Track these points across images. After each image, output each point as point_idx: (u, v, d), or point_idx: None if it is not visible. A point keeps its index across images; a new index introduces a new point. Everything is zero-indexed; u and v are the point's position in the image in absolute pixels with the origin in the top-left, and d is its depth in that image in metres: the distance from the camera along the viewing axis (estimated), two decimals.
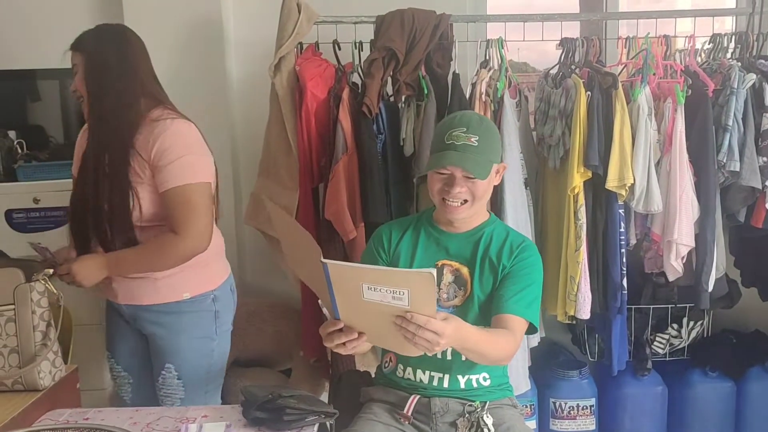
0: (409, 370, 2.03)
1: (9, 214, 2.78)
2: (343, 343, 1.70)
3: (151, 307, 2.17)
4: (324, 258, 1.55)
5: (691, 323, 2.99)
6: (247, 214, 2.89)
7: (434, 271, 1.55)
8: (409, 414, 1.99)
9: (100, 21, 3.03)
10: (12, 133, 2.93)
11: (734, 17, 3.22)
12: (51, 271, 1.79)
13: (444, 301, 2.01)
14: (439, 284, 2.01)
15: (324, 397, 2.87)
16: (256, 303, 2.96)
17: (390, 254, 2.09)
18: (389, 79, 2.65)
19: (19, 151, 2.88)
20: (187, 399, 2.21)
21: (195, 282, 2.20)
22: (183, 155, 2.05)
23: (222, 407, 1.86)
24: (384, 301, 1.58)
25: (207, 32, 2.96)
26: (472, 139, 1.93)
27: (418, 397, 2.01)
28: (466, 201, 1.97)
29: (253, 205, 2.85)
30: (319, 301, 1.75)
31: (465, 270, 2.02)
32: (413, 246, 2.08)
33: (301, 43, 2.71)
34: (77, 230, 2.11)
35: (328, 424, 1.74)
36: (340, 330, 1.69)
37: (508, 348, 1.93)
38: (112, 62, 2.07)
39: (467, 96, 2.65)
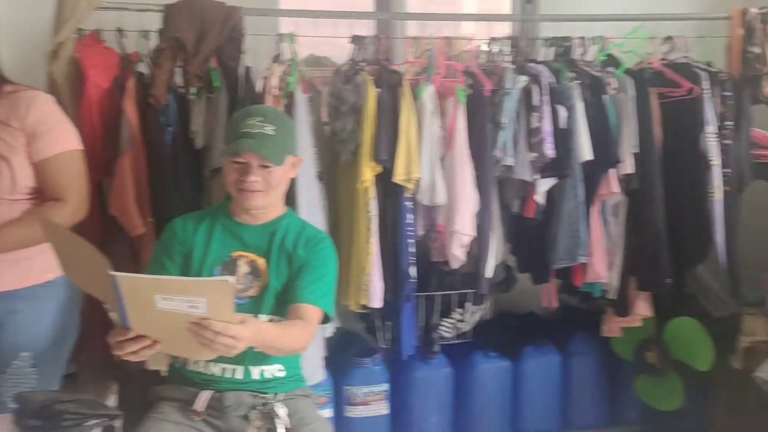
0: (201, 363, 2.01)
1: None
2: (134, 351, 1.65)
3: (15, 293, 2.04)
4: (112, 269, 1.51)
5: (475, 307, 3.19)
6: None
7: (232, 279, 1.56)
8: (201, 410, 1.97)
9: None
10: None
11: (512, 23, 3.48)
12: None
13: (240, 292, 2.01)
14: (234, 275, 2.01)
15: (113, 401, 2.74)
16: None
17: (184, 247, 2.06)
18: (179, 70, 2.59)
19: None
20: (37, 387, 2.06)
21: (45, 264, 2.04)
22: (61, 122, 2.06)
23: None
24: (179, 309, 1.56)
25: None
26: (268, 129, 1.97)
27: (210, 392, 2.00)
28: (261, 190, 1.98)
29: None
30: (106, 305, 1.69)
31: (261, 261, 2.04)
32: (208, 238, 2.07)
33: (81, 29, 2.56)
34: None
35: (114, 427, 1.67)
36: (131, 338, 1.64)
37: (304, 338, 1.98)
38: None
39: (260, 89, 2.64)
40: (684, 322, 3.06)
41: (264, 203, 2.04)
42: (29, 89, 2.06)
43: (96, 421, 1.64)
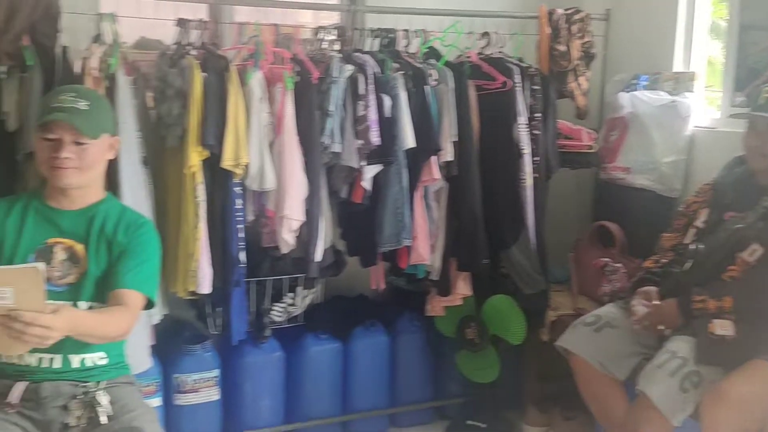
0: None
1: None
2: None
3: None
4: None
5: (305, 291, 3.25)
6: None
7: (41, 266, 1.53)
8: (15, 402, 1.89)
9: None
10: None
11: (340, 13, 3.55)
12: None
13: (57, 279, 1.96)
14: (50, 262, 1.95)
15: None
16: None
17: None
18: None
19: None
20: None
21: None
22: None
23: None
24: None
25: None
26: (81, 104, 1.95)
27: (26, 383, 1.93)
28: (75, 167, 1.94)
29: None
30: None
31: (79, 247, 1.99)
32: (20, 225, 1.99)
33: None
34: None
35: None
36: None
37: (125, 324, 1.97)
38: None
39: (78, 71, 2.54)
40: (499, 300, 3.28)
41: (78, 182, 1.98)
42: None
43: None
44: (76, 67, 2.55)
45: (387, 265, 3.25)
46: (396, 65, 2.96)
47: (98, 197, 2.08)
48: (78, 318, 1.82)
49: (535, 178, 3.13)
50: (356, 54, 2.96)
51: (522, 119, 3.09)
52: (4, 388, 1.91)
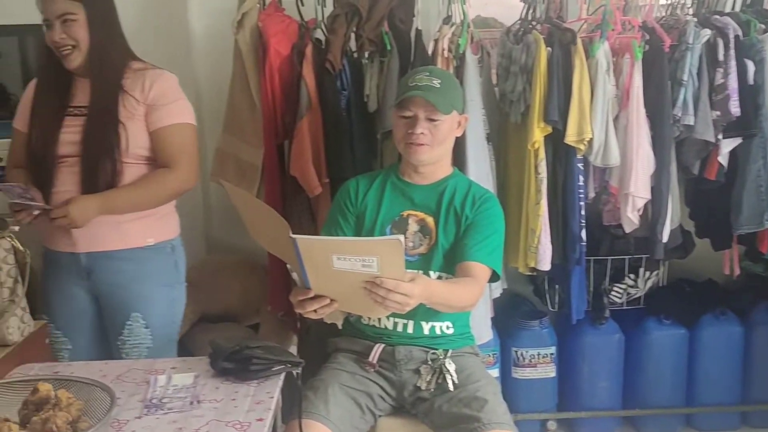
0: (374, 318, 2.09)
1: None
2: (314, 310, 1.76)
3: (115, 254, 2.17)
4: (291, 233, 1.60)
5: (647, 273, 3.08)
6: (213, 170, 2.90)
7: (402, 238, 1.62)
8: (374, 362, 2.06)
9: None
10: None
11: None
12: (17, 228, 1.79)
13: (410, 249, 2.08)
14: (404, 233, 2.08)
15: (292, 350, 2.93)
16: (223, 259, 3.00)
17: (357, 207, 2.16)
18: (353, 35, 2.67)
19: None
20: (154, 349, 2.21)
21: (157, 229, 2.23)
22: (180, 99, 2.19)
23: (190, 359, 1.90)
24: (354, 269, 1.64)
25: None
26: (435, 81, 2.03)
27: (383, 345, 2.08)
28: (427, 144, 2.03)
29: (218, 161, 2.87)
30: (288, 265, 1.80)
31: (430, 220, 2.09)
32: (379, 198, 2.14)
33: None
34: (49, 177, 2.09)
35: (294, 373, 1.79)
36: (311, 297, 1.75)
37: (473, 295, 2.01)
38: (113, 12, 2.14)
39: (429, 52, 2.66)
40: None
41: (430, 157, 2.07)
42: (157, 68, 2.21)
43: (280, 366, 1.76)
44: (428, 49, 2.67)
45: (742, 249, 2.96)
46: (763, 26, 2.63)
47: (447, 172, 2.16)
48: (432, 287, 1.90)
49: None
50: (715, 17, 2.69)
51: None
52: (365, 348, 2.10)
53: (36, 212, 2.03)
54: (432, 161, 2.10)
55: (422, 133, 2.02)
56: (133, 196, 2.14)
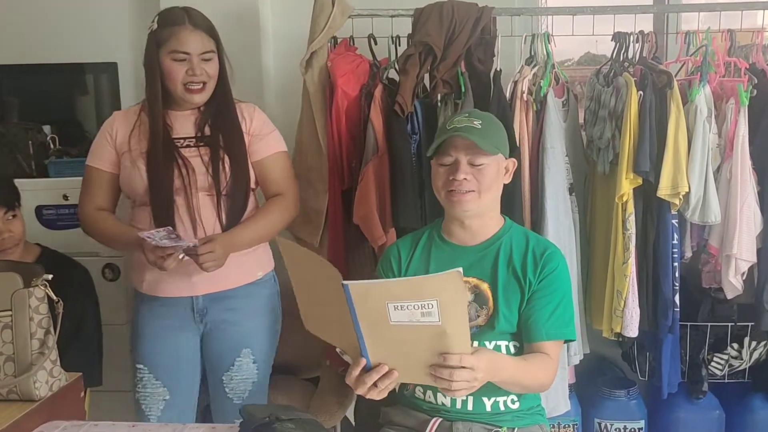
0: (430, 393, 1.90)
1: (39, 210, 2.74)
2: (375, 385, 1.59)
3: (231, 292, 2.17)
4: (346, 280, 1.46)
5: (754, 343, 2.74)
6: None
7: (461, 269, 1.44)
8: None
9: (137, 14, 3.00)
10: (47, 128, 2.90)
11: None
12: (50, 276, 1.71)
13: None
14: None
15: (351, 409, 2.75)
16: (285, 306, 2.85)
17: (402, 276, 1.95)
18: (427, 76, 2.51)
19: (51, 146, 2.84)
20: (258, 383, 2.24)
21: (264, 261, 2.27)
22: (275, 128, 2.26)
23: (219, 426, 1.75)
24: (413, 320, 1.48)
25: (243, 24, 2.85)
26: (476, 123, 1.85)
27: (439, 420, 1.88)
28: (473, 191, 1.84)
29: None
30: (338, 349, 1.67)
31: (485, 286, 1.88)
32: (425, 264, 1.95)
33: (335, 38, 2.59)
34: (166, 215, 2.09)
35: None
36: (368, 369, 1.59)
37: (547, 374, 1.84)
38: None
39: (508, 95, 2.47)
40: None
41: (477, 208, 1.87)
42: (246, 102, 2.26)
43: None
44: (507, 92, 2.48)
45: None
46: None
47: (498, 226, 1.95)
48: (500, 361, 1.72)
49: None
50: None
51: None
52: (420, 424, 1.88)
53: (181, 256, 2.02)
54: (479, 212, 1.89)
55: (465, 178, 1.83)
56: (258, 229, 2.16)
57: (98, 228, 2.17)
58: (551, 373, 1.84)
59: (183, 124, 2.16)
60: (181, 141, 2.14)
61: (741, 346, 2.74)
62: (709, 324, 2.70)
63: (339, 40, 2.61)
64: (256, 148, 2.19)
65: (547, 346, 1.83)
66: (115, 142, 2.17)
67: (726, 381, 2.78)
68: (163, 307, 2.18)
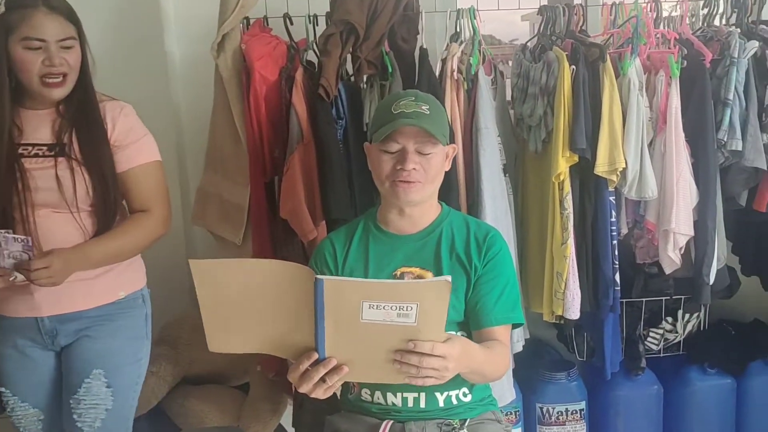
0: (378, 394, 1.77)
1: None
2: (323, 380, 1.44)
3: (84, 313, 1.95)
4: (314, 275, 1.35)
5: (687, 315, 2.75)
6: (194, 213, 2.59)
7: (450, 278, 1.35)
8: None
9: None
10: None
11: None
12: None
13: None
14: None
15: (288, 415, 2.59)
16: None
17: (339, 274, 1.81)
18: (349, 57, 2.35)
19: None
20: (114, 411, 1.98)
21: (128, 279, 2.04)
22: (145, 134, 2.00)
23: None
24: (387, 320, 1.37)
25: (140, 7, 2.62)
26: (423, 107, 1.72)
27: (390, 422, 1.75)
28: (420, 181, 1.72)
29: (200, 202, 2.55)
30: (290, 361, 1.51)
31: (429, 275, 1.76)
32: (364, 258, 1.81)
33: (247, 18, 2.40)
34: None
35: None
36: (318, 362, 1.44)
37: (505, 361, 1.76)
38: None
39: (437, 73, 2.35)
40: None
41: (421, 198, 1.76)
42: (111, 99, 1.98)
43: None
44: (435, 70, 2.35)
45: None
46: None
47: (436, 213, 1.85)
48: (471, 350, 1.60)
49: None
50: (762, 27, 2.38)
51: None
52: (370, 428, 1.74)
53: (13, 277, 1.78)
54: (423, 201, 1.78)
55: (414, 168, 1.70)
56: (115, 246, 1.94)
57: None
58: (507, 360, 1.78)
59: (37, 127, 1.90)
60: (29, 148, 1.88)
61: (675, 319, 2.75)
62: (644, 299, 2.69)
63: (252, 21, 2.42)
64: (119, 159, 1.94)
65: (497, 332, 1.74)
66: None
67: (662, 355, 2.78)
68: (9, 327, 1.95)
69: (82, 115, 1.91)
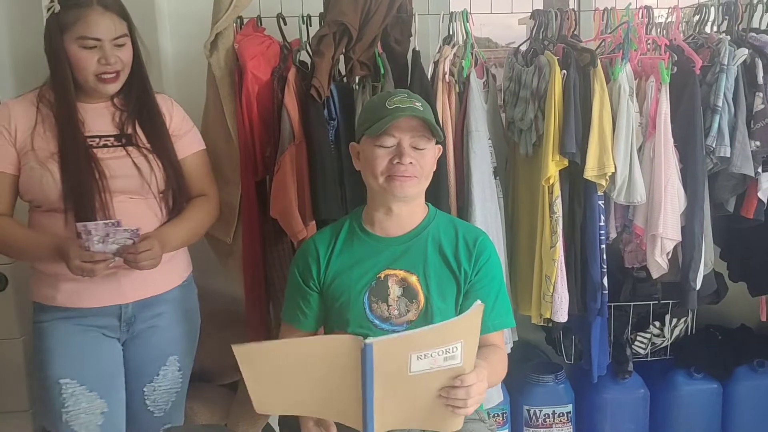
0: None
1: None
2: None
3: (161, 297, 2.01)
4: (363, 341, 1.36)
5: (674, 320, 2.77)
6: None
7: (479, 302, 1.41)
8: None
9: None
10: None
11: None
12: None
13: (396, 318, 1.76)
14: (386, 300, 1.77)
15: (276, 418, 2.60)
16: None
17: (322, 282, 1.81)
18: (341, 58, 2.35)
19: None
20: (181, 392, 2.10)
21: (187, 261, 2.14)
22: (193, 125, 2.13)
23: None
24: (434, 367, 1.39)
25: (134, 3, 2.60)
26: (417, 104, 1.73)
27: None
28: (415, 176, 1.73)
29: None
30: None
31: (413, 279, 1.76)
32: (348, 262, 1.81)
33: (241, 18, 2.40)
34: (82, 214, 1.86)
35: None
36: None
37: (505, 367, 1.82)
38: None
39: (429, 75, 2.35)
40: None
41: (416, 192, 1.77)
42: (160, 93, 2.08)
43: None
44: (428, 72, 2.36)
45: None
46: None
47: (423, 214, 1.85)
48: (490, 366, 1.61)
49: None
50: (752, 35, 2.39)
51: None
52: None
53: (117, 259, 1.82)
54: (416, 197, 1.79)
55: (411, 162, 1.71)
56: (188, 229, 2.02)
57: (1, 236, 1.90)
58: (506, 363, 1.82)
59: (96, 120, 1.94)
60: (96, 140, 1.92)
61: (662, 323, 2.77)
62: (632, 303, 2.70)
63: (245, 21, 2.42)
64: (177, 147, 2.03)
65: (493, 337, 1.78)
66: (15, 139, 1.89)
67: (649, 359, 2.80)
68: (84, 319, 1.93)
69: (143, 107, 1.98)
